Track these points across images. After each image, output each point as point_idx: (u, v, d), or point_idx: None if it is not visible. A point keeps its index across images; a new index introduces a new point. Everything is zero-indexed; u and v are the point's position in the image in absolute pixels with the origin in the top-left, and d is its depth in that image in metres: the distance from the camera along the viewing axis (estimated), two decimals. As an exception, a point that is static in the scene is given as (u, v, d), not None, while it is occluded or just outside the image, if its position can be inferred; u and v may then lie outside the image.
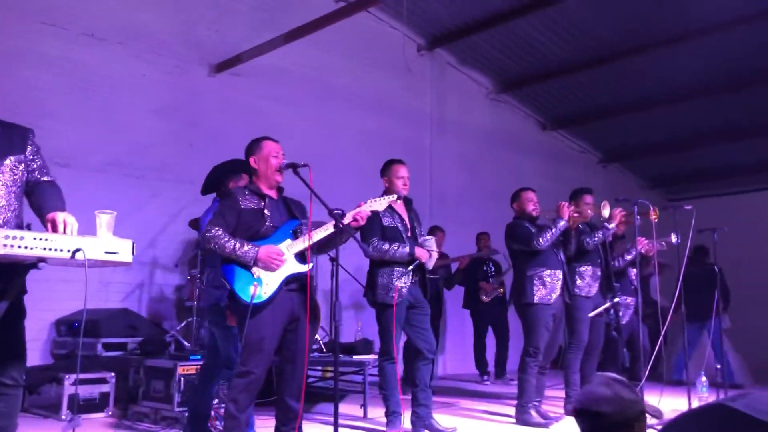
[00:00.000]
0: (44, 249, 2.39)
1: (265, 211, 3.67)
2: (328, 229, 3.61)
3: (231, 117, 7.40)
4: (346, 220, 3.65)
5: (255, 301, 3.46)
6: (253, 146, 3.82)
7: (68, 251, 2.43)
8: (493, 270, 8.31)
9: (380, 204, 3.91)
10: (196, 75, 7.30)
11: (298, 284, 3.65)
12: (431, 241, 4.74)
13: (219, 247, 3.53)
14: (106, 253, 2.53)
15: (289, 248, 3.62)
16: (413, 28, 9.16)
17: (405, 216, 4.77)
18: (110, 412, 5.11)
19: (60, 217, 2.58)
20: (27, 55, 6.16)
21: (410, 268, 4.56)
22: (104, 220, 2.65)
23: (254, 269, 3.52)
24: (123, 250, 2.58)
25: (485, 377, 8.24)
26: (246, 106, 7.54)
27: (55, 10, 6.37)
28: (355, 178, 7.39)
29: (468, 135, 9.85)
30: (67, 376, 4.96)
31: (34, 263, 2.45)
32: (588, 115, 10.56)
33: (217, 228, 3.58)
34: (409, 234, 4.68)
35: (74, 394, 4.85)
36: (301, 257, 3.64)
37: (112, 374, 5.20)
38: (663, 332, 5.21)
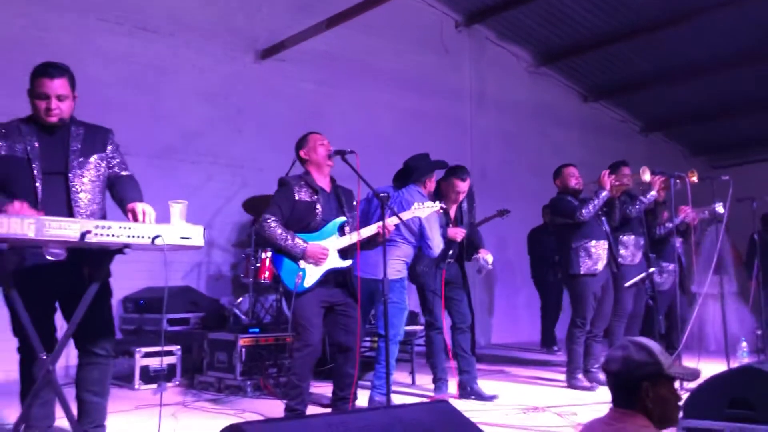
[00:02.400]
0: (128, 236, 2.71)
1: (317, 206, 3.98)
2: (372, 229, 3.92)
3: (277, 102, 7.71)
4: (369, 232, 3.95)
5: (298, 289, 3.81)
6: (301, 141, 4.13)
7: (149, 238, 2.75)
8: None
9: (423, 211, 4.18)
10: (243, 62, 7.60)
11: (336, 276, 3.98)
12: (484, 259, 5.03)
13: (272, 238, 3.87)
14: (182, 238, 2.84)
15: (333, 244, 3.93)
16: (450, 4, 9.27)
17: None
18: (177, 382, 5.53)
19: (139, 207, 2.92)
20: (85, 51, 6.52)
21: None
22: (177, 208, 2.97)
23: (300, 261, 3.85)
24: (195, 235, 2.90)
25: (555, 348, 8.28)
26: (290, 91, 7.83)
27: (109, 6, 6.71)
28: (399, 158, 7.61)
29: (508, 109, 9.95)
30: (137, 349, 5.38)
31: (120, 249, 2.78)
32: (628, 85, 10.55)
33: (273, 218, 3.91)
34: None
35: (154, 367, 5.28)
36: (342, 253, 3.97)
37: (178, 347, 5.62)
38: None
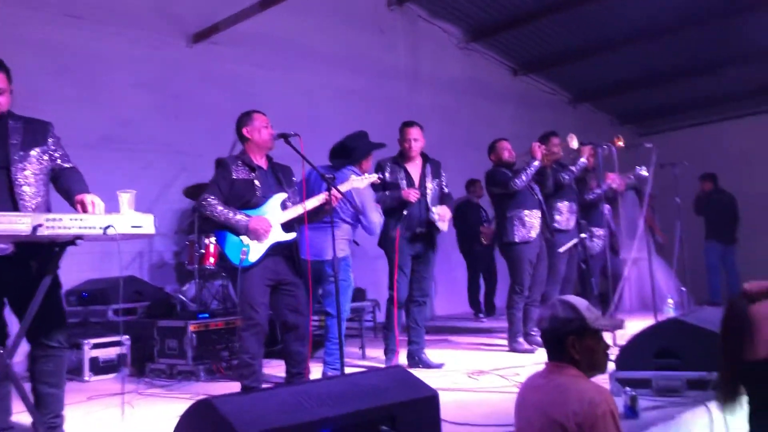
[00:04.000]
0: (80, 228, 2.76)
1: (256, 182, 4.05)
2: (319, 199, 4.02)
3: (212, 86, 7.65)
4: (314, 203, 4.02)
5: (243, 264, 3.88)
6: (245, 118, 4.15)
7: (101, 228, 2.79)
8: (487, 214, 8.61)
9: (361, 182, 4.29)
10: (176, 47, 7.51)
11: (282, 250, 4.05)
12: (438, 212, 5.08)
13: (213, 215, 3.93)
14: (133, 227, 2.90)
15: (276, 218, 4.02)
16: (382, -17, 9.36)
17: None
18: (128, 371, 5.54)
19: (88, 198, 2.96)
20: (10, 40, 6.33)
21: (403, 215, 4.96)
22: (125, 198, 3.02)
23: (243, 237, 3.93)
24: (146, 224, 2.96)
25: (480, 315, 8.74)
26: (226, 74, 7.78)
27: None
28: (334, 138, 7.69)
29: (443, 86, 10.14)
30: (86, 341, 5.36)
31: (72, 240, 2.81)
32: (557, 58, 10.87)
33: (212, 197, 3.97)
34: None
35: (103, 357, 5.26)
36: (286, 227, 4.04)
37: (127, 337, 5.62)
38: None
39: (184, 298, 6.41)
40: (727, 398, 2.66)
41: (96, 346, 5.42)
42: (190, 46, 7.58)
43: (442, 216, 5.06)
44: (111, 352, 5.52)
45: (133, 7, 7.18)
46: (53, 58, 6.59)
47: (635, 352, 3.77)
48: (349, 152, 4.92)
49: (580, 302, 2.34)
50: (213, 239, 6.25)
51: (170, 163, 7.31)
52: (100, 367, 5.42)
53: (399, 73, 9.70)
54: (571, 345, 2.23)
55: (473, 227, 8.61)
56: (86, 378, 5.30)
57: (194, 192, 6.72)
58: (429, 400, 2.37)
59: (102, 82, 6.91)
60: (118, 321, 6.02)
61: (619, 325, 2.40)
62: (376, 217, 4.76)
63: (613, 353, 4.29)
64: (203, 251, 6.22)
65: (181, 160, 7.42)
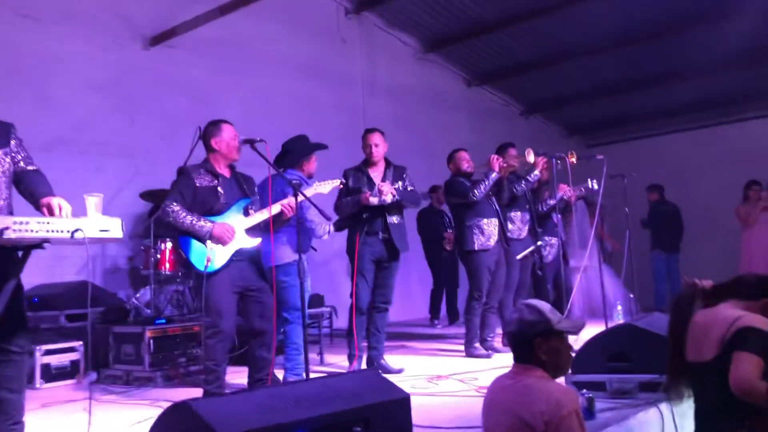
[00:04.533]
0: (47, 231, 2.72)
1: (219, 189, 4.07)
2: (276, 208, 4.05)
3: (168, 89, 7.59)
4: (277, 208, 4.05)
5: (208, 270, 3.89)
6: (213, 129, 4.18)
7: (68, 232, 2.77)
8: (450, 221, 8.64)
9: (325, 188, 4.34)
10: (132, 50, 7.42)
11: (247, 256, 4.08)
12: (383, 187, 5.02)
13: (177, 222, 3.92)
14: (101, 231, 2.88)
15: (240, 224, 4.04)
16: (341, -8, 9.43)
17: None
18: (81, 378, 5.43)
19: (55, 201, 2.92)
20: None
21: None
22: (93, 201, 3.00)
23: (208, 242, 3.94)
24: (114, 228, 2.94)
25: (436, 321, 8.83)
26: (182, 79, 7.72)
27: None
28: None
29: (398, 95, 10.25)
30: (37, 347, 5.24)
31: (39, 244, 2.78)
32: (509, 71, 11.13)
33: (175, 203, 3.97)
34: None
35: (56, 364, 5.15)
36: (251, 232, 4.06)
37: (80, 343, 5.51)
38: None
39: (138, 304, 6.32)
40: (673, 398, 2.81)
41: (48, 352, 5.30)
42: (147, 49, 7.50)
43: (381, 189, 4.99)
44: (64, 359, 5.41)
45: (88, 8, 7.08)
46: (4, 58, 6.43)
47: (589, 356, 3.91)
48: (290, 155, 4.95)
49: (543, 305, 2.45)
50: (169, 244, 6.21)
51: (124, 167, 7.21)
52: (52, 374, 5.30)
53: (356, 81, 9.78)
54: (538, 346, 2.33)
55: (436, 233, 8.68)
56: (37, 385, 5.17)
57: (151, 196, 6.66)
58: (401, 402, 2.44)
59: (55, 84, 6.78)
60: (70, 326, 5.90)
61: (581, 326, 2.51)
62: (319, 219, 4.70)
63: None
64: (158, 256, 6.16)
65: (135, 164, 7.33)
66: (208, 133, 4.17)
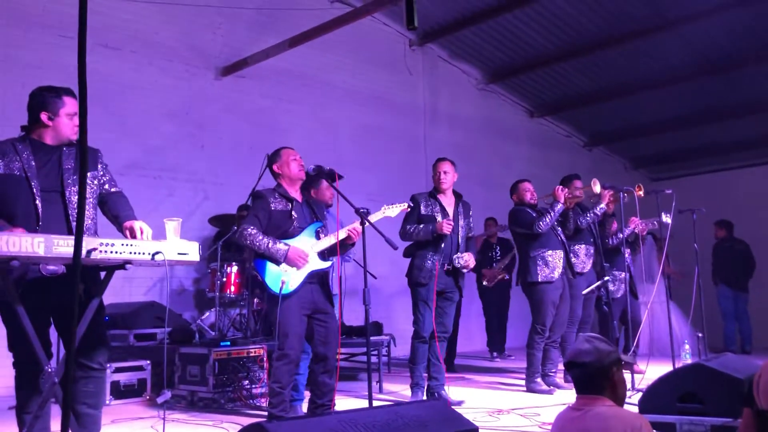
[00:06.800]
0: (130, 253, 2.84)
1: (293, 213, 4.17)
2: (344, 233, 4.13)
3: (237, 118, 7.85)
4: (344, 233, 4.13)
5: (282, 292, 3.97)
6: (274, 156, 4.34)
7: (149, 254, 2.89)
8: (498, 254, 8.48)
9: (392, 211, 4.41)
10: (204, 79, 7.71)
11: (318, 279, 4.18)
12: (464, 258, 5.12)
13: (253, 245, 4.04)
14: (179, 254, 2.99)
15: (312, 248, 4.13)
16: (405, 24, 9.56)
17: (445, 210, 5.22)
18: (148, 396, 5.58)
19: (137, 225, 3.06)
20: (48, 67, 6.53)
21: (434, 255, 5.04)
22: (172, 226, 3.11)
23: (282, 265, 4.03)
24: (192, 251, 3.05)
25: (494, 354, 8.67)
26: (251, 107, 7.98)
27: (71, 23, 6.74)
28: (357, 172, 7.86)
29: (460, 125, 10.32)
30: (108, 365, 5.40)
31: (122, 265, 2.90)
32: (572, 102, 11.07)
33: (252, 227, 4.09)
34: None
35: (124, 381, 5.30)
36: (322, 255, 4.16)
37: (148, 362, 5.68)
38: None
39: (203, 325, 6.47)
40: None
41: (118, 369, 5.47)
42: (219, 79, 7.77)
43: (466, 263, 5.12)
44: (132, 377, 5.57)
45: (165, 40, 7.40)
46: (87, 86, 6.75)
47: (658, 396, 3.80)
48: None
49: (603, 338, 2.46)
50: (235, 268, 6.36)
51: (194, 191, 7.47)
52: (120, 391, 5.46)
53: (417, 111, 9.88)
54: (614, 375, 2.32)
55: (482, 266, 8.49)
56: (107, 402, 5.33)
57: (218, 220, 6.85)
58: (470, 434, 2.43)
59: (131, 110, 7.08)
60: (138, 346, 6.08)
61: (632, 362, 2.54)
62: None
63: (634, 396, 4.34)
64: (224, 279, 6.31)
65: (204, 189, 7.57)
66: (271, 161, 4.34)
